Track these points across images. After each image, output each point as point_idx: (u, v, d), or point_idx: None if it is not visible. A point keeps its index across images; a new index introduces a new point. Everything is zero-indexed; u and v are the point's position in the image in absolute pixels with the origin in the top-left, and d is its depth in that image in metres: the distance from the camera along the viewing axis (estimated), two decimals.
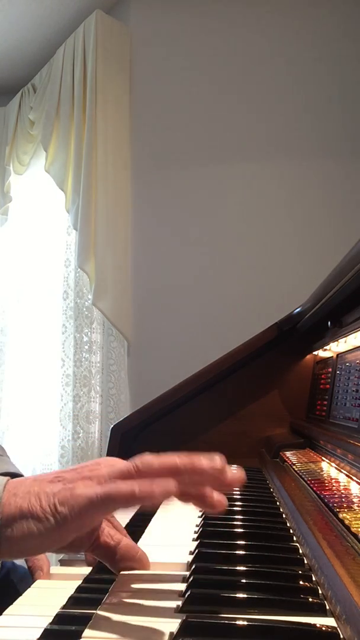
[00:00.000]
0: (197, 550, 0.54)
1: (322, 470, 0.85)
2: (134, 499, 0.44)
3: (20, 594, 0.51)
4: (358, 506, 0.60)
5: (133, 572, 0.51)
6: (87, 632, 0.39)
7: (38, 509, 0.44)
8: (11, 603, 0.48)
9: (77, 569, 0.61)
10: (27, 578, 0.79)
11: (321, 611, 0.42)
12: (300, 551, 0.55)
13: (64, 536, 0.45)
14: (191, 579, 0.47)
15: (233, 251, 2.18)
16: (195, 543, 0.59)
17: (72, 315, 2.42)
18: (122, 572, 0.51)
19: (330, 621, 0.40)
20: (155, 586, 0.49)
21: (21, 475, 0.78)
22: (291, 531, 0.63)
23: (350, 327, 0.91)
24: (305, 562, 0.52)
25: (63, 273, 2.50)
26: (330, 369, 1.06)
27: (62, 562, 0.67)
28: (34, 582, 0.58)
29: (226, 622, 0.39)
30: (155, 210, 2.32)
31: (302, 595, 0.45)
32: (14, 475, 0.76)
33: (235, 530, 0.62)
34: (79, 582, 0.52)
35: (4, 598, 0.50)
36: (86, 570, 0.56)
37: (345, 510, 0.59)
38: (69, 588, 0.50)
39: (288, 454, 1.03)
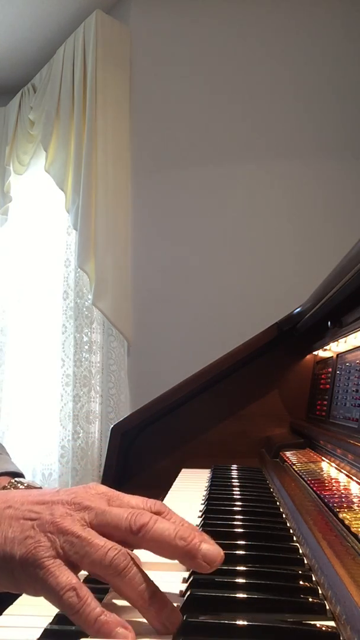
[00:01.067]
0: None
1: (322, 470, 0.85)
2: (82, 627, 0.39)
3: (20, 594, 0.51)
4: (358, 506, 0.60)
5: None
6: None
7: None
8: (11, 603, 0.48)
9: None
10: None
11: (321, 611, 0.42)
12: (300, 551, 0.55)
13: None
14: (191, 579, 0.47)
15: (233, 251, 2.18)
16: None
17: (72, 315, 2.42)
18: None
19: (330, 621, 0.40)
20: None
21: (21, 474, 0.78)
22: (291, 531, 0.63)
23: (350, 327, 0.91)
24: (305, 562, 0.52)
25: (63, 273, 2.50)
26: (330, 369, 1.06)
27: None
28: None
29: (226, 622, 0.39)
30: (155, 210, 2.32)
31: (302, 595, 0.45)
32: (14, 474, 0.76)
33: (235, 530, 0.62)
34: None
35: (4, 598, 0.50)
36: None
37: (345, 510, 0.59)
38: None
39: (288, 454, 1.03)
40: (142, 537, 0.42)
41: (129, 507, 0.44)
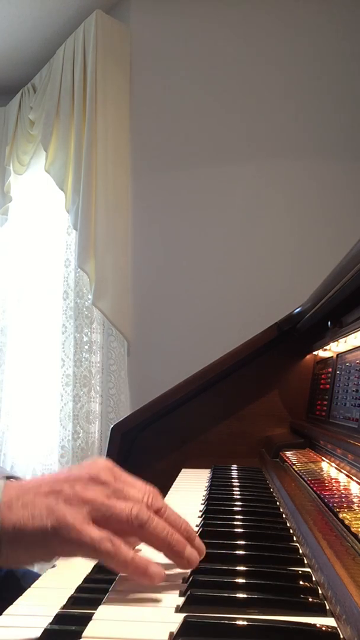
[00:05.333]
0: None
1: (322, 470, 0.85)
2: (119, 569, 0.45)
3: (24, 589, 0.51)
4: (358, 506, 0.60)
5: None
6: (87, 632, 0.39)
7: (29, 526, 0.44)
8: (15, 597, 0.49)
9: (77, 569, 0.61)
10: (29, 574, 0.81)
11: (321, 611, 0.42)
12: (300, 551, 0.55)
13: (48, 556, 0.46)
14: (191, 579, 0.47)
15: (233, 251, 2.18)
16: None
17: (72, 315, 2.42)
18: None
19: (330, 621, 0.40)
20: (155, 586, 0.49)
21: (16, 477, 0.79)
22: (291, 531, 0.63)
23: (350, 327, 0.91)
24: (305, 562, 0.52)
25: (63, 273, 2.50)
26: (330, 369, 1.06)
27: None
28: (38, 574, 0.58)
29: (226, 622, 0.39)
30: (155, 210, 2.32)
31: (302, 595, 0.45)
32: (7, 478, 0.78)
33: (235, 530, 0.62)
34: (79, 582, 0.52)
35: (8, 592, 0.51)
36: (86, 570, 0.56)
37: (345, 510, 0.59)
38: (69, 588, 0.50)
39: (288, 454, 1.03)
40: (143, 532, 0.47)
41: (132, 492, 0.49)
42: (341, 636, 0.37)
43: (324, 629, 0.38)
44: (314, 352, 1.24)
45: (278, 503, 0.77)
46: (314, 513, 0.62)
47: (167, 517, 0.49)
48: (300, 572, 0.49)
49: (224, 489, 0.86)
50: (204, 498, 0.81)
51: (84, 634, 0.38)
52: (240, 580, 0.47)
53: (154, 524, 0.47)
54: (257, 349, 1.25)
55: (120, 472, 0.51)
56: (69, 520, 0.44)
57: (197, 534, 0.51)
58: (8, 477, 0.78)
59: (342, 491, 0.68)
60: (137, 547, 0.52)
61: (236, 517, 0.67)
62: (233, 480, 0.95)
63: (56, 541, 0.44)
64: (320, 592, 0.45)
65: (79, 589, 0.50)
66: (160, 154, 2.32)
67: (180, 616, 0.40)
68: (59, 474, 0.50)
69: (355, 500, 0.63)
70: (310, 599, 0.44)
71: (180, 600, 0.44)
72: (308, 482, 0.77)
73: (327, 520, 0.59)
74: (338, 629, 0.38)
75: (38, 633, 0.41)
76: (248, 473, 1.02)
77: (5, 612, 0.46)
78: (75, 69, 2.40)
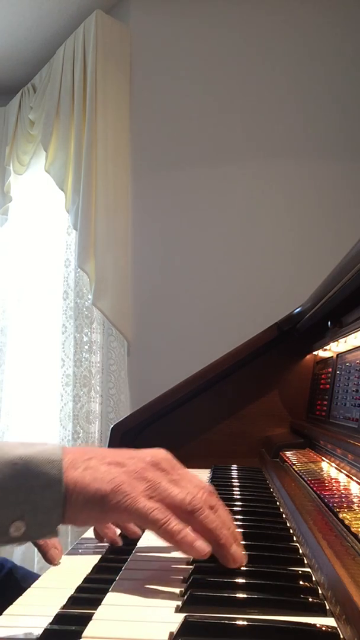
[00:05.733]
0: None
1: (322, 470, 0.85)
2: (167, 538, 0.47)
3: (24, 589, 0.52)
4: (358, 506, 0.60)
5: (133, 572, 0.52)
6: (87, 632, 0.39)
7: (89, 487, 0.47)
8: (15, 597, 0.49)
9: (77, 569, 0.61)
10: (29, 574, 0.81)
11: (321, 611, 0.42)
12: (300, 551, 0.55)
13: (102, 519, 0.49)
14: (191, 579, 0.47)
15: (233, 251, 2.18)
16: None
17: (72, 315, 2.42)
18: (122, 571, 0.51)
19: (330, 621, 0.40)
20: (155, 586, 0.49)
21: None
22: (291, 531, 0.63)
23: (350, 327, 0.91)
24: (305, 562, 0.52)
25: (63, 273, 2.50)
26: (330, 369, 1.06)
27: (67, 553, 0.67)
28: (48, 559, 0.60)
29: (226, 622, 0.39)
30: (155, 210, 2.32)
31: (302, 595, 0.45)
32: None
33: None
34: (79, 582, 0.52)
35: (8, 592, 0.51)
36: (86, 570, 0.56)
37: (345, 510, 0.59)
38: (69, 588, 0.50)
39: (288, 454, 1.03)
40: (194, 519, 0.48)
41: (188, 484, 0.51)
42: (341, 636, 0.37)
43: (324, 629, 0.38)
44: (314, 352, 1.24)
45: (278, 503, 0.77)
46: (314, 513, 0.62)
47: (219, 514, 0.50)
48: (300, 572, 0.49)
49: (224, 489, 0.86)
50: None
51: (84, 634, 0.38)
52: (240, 580, 0.47)
53: (206, 513, 0.48)
54: (257, 349, 1.25)
55: (180, 466, 0.53)
56: (126, 488, 0.47)
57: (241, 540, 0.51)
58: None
59: (342, 491, 0.68)
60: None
61: (236, 517, 0.67)
62: (233, 480, 0.95)
63: (112, 505, 0.46)
64: (320, 592, 0.45)
65: (79, 589, 0.50)
66: (160, 153, 2.32)
67: (180, 616, 0.40)
68: (123, 451, 0.52)
69: (355, 500, 0.63)
70: (310, 599, 0.44)
71: (180, 601, 0.44)
72: (308, 482, 0.77)
73: (327, 520, 0.59)
74: (338, 629, 0.38)
75: (38, 633, 0.41)
76: (248, 473, 1.02)
77: (5, 612, 0.46)
78: (75, 69, 2.40)
